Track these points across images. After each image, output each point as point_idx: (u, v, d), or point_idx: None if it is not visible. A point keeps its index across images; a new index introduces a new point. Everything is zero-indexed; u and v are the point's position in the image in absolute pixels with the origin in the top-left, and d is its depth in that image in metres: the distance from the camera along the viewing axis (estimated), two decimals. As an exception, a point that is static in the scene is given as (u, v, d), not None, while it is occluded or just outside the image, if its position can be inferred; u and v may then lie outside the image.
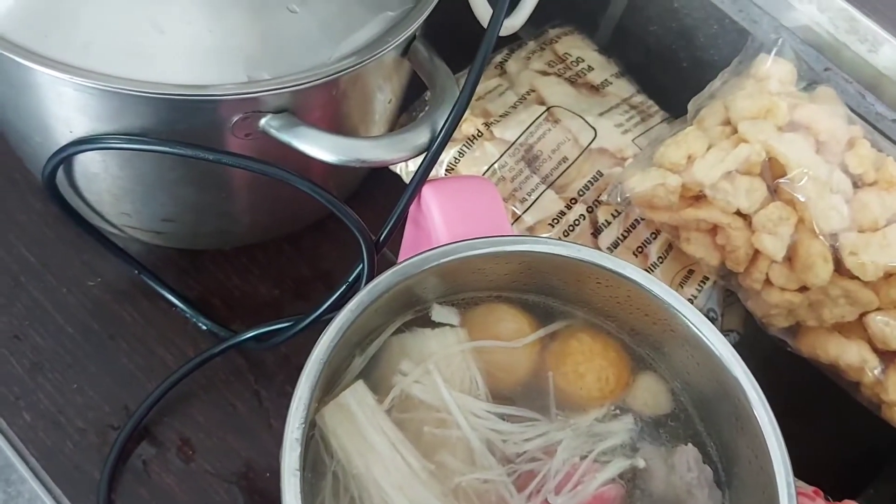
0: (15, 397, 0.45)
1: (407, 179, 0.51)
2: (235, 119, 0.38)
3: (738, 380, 0.35)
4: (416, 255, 0.36)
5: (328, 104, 0.41)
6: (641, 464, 0.36)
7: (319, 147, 0.38)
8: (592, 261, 0.37)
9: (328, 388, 0.36)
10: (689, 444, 0.37)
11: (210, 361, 0.46)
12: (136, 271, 0.48)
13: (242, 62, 0.37)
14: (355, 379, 0.36)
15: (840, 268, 0.42)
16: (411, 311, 0.39)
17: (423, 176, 0.39)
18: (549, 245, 0.37)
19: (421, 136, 0.39)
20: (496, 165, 0.48)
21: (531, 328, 0.39)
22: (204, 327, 0.48)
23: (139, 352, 0.47)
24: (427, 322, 0.39)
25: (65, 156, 0.39)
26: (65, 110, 0.38)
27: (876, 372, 0.43)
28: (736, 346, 0.49)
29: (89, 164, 0.41)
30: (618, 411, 0.38)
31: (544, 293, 0.40)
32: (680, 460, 0.36)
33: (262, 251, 0.51)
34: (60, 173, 0.42)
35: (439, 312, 0.39)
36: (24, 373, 0.46)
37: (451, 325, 0.38)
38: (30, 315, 0.47)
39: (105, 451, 0.44)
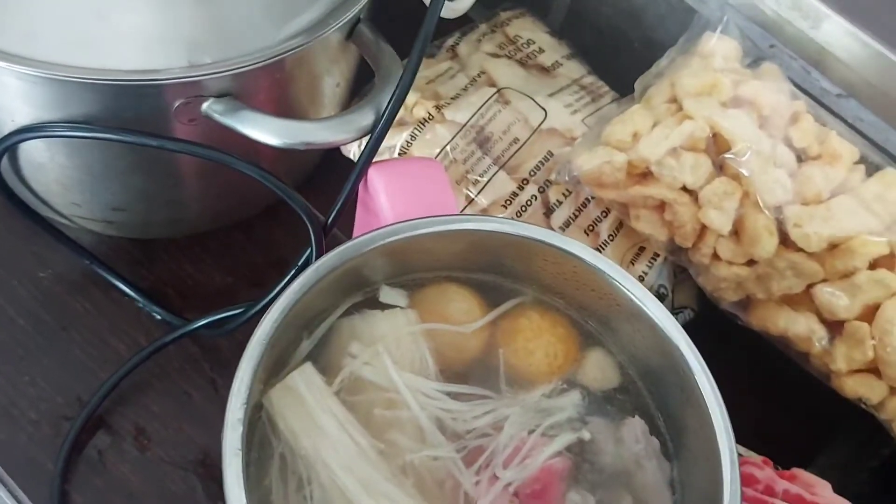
0: (-34, 390, 0.45)
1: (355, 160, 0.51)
2: (177, 104, 0.37)
3: (682, 351, 0.35)
4: (362, 236, 0.36)
5: (272, 88, 0.41)
6: (587, 436, 0.36)
7: (262, 130, 0.38)
8: (538, 237, 0.37)
9: (275, 370, 0.36)
10: (637, 417, 0.37)
11: (163, 350, 0.46)
12: (88, 262, 0.48)
13: (185, 47, 0.37)
14: (303, 361, 0.37)
15: (786, 240, 0.43)
16: (360, 293, 0.39)
17: (368, 157, 0.39)
18: (494, 223, 0.37)
19: (365, 118, 0.39)
20: (448, 148, 0.48)
21: (481, 308, 0.39)
22: (158, 317, 0.48)
23: (92, 343, 0.47)
24: (376, 304, 0.39)
25: (8, 145, 0.39)
26: (7, 99, 0.38)
27: (824, 342, 0.44)
28: (690, 323, 0.50)
29: (35, 154, 0.41)
30: (566, 386, 0.38)
31: (493, 272, 0.40)
32: (628, 433, 0.37)
33: (215, 239, 0.51)
34: (6, 163, 0.41)
35: (387, 294, 0.39)
36: (-24, 365, 0.45)
37: (401, 307, 0.38)
38: (-21, 308, 0.47)
39: (59, 442, 0.44)
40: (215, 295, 0.49)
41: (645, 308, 0.36)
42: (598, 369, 0.39)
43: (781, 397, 0.49)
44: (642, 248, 0.48)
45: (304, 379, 0.35)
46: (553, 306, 0.40)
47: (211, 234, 0.51)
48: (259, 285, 0.50)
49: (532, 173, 0.48)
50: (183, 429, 0.46)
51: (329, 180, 0.50)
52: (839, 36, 0.47)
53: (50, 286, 0.48)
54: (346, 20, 0.40)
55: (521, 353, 0.38)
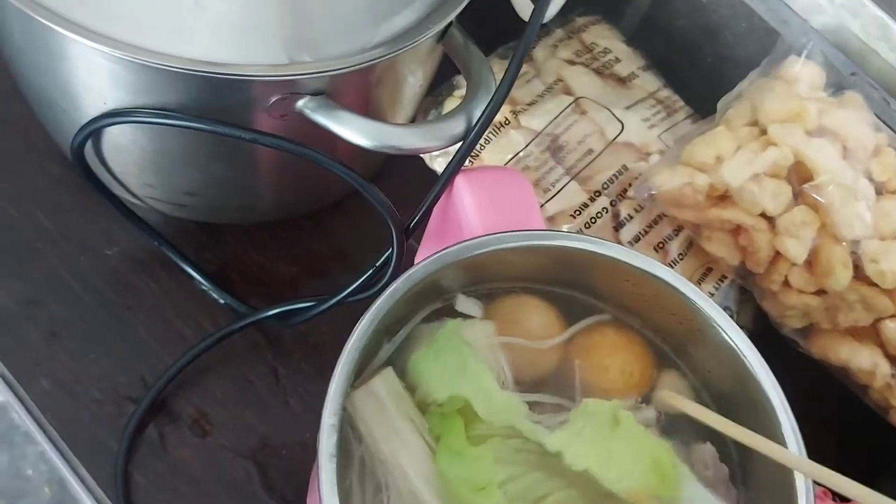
0: (33, 363, 0.45)
1: (429, 163, 0.51)
2: (273, 99, 0.37)
3: (761, 383, 0.35)
4: (452, 246, 0.36)
5: (363, 88, 0.41)
6: None
7: (356, 131, 0.38)
8: (623, 259, 0.37)
9: (357, 373, 0.36)
10: (708, 443, 0.37)
11: (229, 337, 0.46)
12: (156, 242, 0.48)
13: (283, 42, 0.37)
14: (383, 365, 0.37)
15: (859, 274, 0.43)
16: (439, 300, 0.39)
17: (457, 166, 0.39)
18: (581, 241, 0.37)
19: (457, 126, 0.39)
20: (521, 154, 0.48)
21: (557, 322, 0.39)
22: (222, 301, 0.48)
23: (156, 323, 0.47)
24: (453, 312, 0.39)
25: (97, 127, 0.39)
26: (99, 81, 0.38)
27: (887, 377, 0.44)
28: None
29: (119, 136, 0.41)
30: (642, 404, 0.38)
31: (570, 286, 0.40)
32: (698, 458, 0.37)
33: (282, 227, 0.51)
34: (88, 143, 0.41)
35: (463, 303, 0.39)
36: (42, 339, 0.45)
37: (479, 318, 0.39)
38: (46, 282, 0.47)
39: (122, 422, 0.44)
40: (279, 283, 0.50)
41: (728, 338, 0.36)
42: (673, 391, 0.39)
43: (835, 426, 0.50)
44: (710, 269, 0.48)
45: (385, 384, 0.35)
46: (629, 325, 0.40)
47: (277, 222, 0.51)
48: (321, 276, 0.50)
49: (605, 186, 0.48)
50: (243, 416, 0.46)
51: (395, 177, 0.50)
52: (924, 69, 0.47)
53: (116, 264, 0.48)
54: (444, 24, 0.40)
55: (597, 368, 0.38)
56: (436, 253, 0.36)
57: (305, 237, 0.51)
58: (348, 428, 0.35)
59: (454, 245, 0.36)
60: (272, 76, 0.36)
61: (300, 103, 0.38)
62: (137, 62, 0.36)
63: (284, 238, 0.51)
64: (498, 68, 0.52)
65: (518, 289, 0.40)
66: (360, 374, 0.36)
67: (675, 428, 0.38)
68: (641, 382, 0.39)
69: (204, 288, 0.48)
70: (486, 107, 0.38)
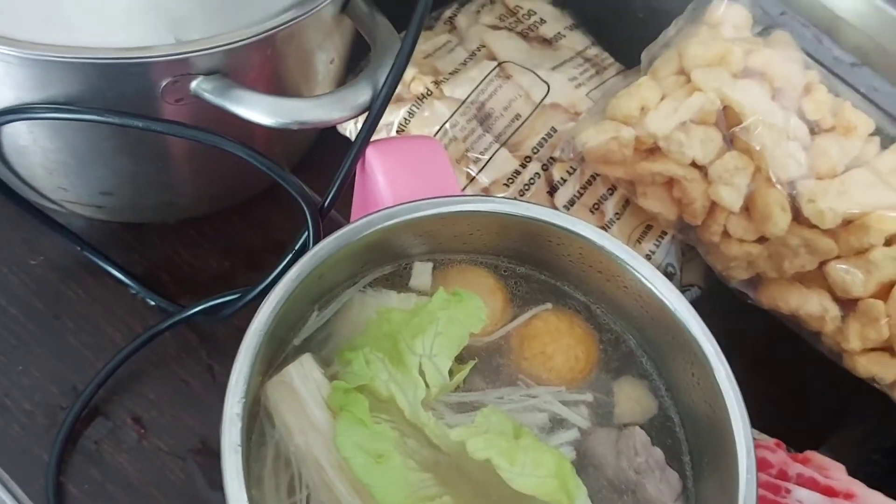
0: (-42, 381, 0.44)
1: (353, 138, 0.49)
2: (165, 83, 0.36)
3: (693, 333, 0.34)
4: (358, 220, 0.35)
5: (264, 64, 0.39)
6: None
7: (254, 109, 0.36)
8: (539, 217, 0.36)
9: (278, 352, 0.35)
10: (637, 428, 0.35)
11: (159, 337, 0.45)
12: (80, 248, 0.47)
13: (171, 23, 0.35)
14: (310, 338, 0.35)
15: (798, 217, 0.42)
16: (390, 265, 0.38)
17: (366, 136, 0.37)
18: (493, 203, 0.36)
19: (362, 95, 0.37)
20: (447, 125, 0.47)
21: (502, 301, 0.38)
22: (152, 303, 0.47)
23: (86, 330, 0.46)
24: (399, 283, 0.38)
25: (-12, 128, 0.37)
26: (-17, 80, 0.36)
27: (837, 321, 0.42)
28: (697, 300, 0.49)
29: (17, 137, 0.39)
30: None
31: (515, 258, 0.39)
32: (626, 444, 0.35)
33: (211, 223, 0.49)
34: (-10, 148, 0.40)
35: (418, 269, 0.38)
36: (-32, 356, 0.44)
37: (416, 293, 0.37)
38: (-29, 297, 0.46)
39: (54, 432, 0.43)
40: (212, 280, 0.48)
41: (654, 289, 0.35)
42: (633, 401, 0.37)
43: (791, 377, 0.48)
44: (649, 227, 0.47)
45: (300, 373, 0.34)
46: (569, 306, 0.38)
47: (206, 218, 0.49)
48: (257, 269, 0.49)
49: (535, 150, 0.47)
50: (180, 417, 0.45)
51: (326, 160, 0.49)
52: (855, 2, 0.45)
53: (42, 273, 0.47)
54: (339, -8, 0.38)
55: (540, 358, 0.37)
56: (340, 229, 0.34)
57: (234, 231, 0.49)
58: (263, 416, 0.34)
59: (360, 219, 0.35)
60: (155, 57, 0.35)
61: (194, 84, 0.36)
62: (20, 56, 0.34)
63: (214, 233, 0.49)
64: (422, 39, 0.50)
65: (469, 260, 0.39)
66: (285, 348, 0.35)
67: (606, 415, 0.36)
68: (587, 366, 0.37)
69: (133, 291, 0.47)
70: (390, 71, 0.37)
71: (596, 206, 0.46)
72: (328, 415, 0.33)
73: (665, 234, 0.47)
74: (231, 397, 0.31)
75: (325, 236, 0.39)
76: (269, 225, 0.50)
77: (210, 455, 0.44)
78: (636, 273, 0.35)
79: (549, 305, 0.38)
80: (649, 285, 0.35)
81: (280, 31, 0.37)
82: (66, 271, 0.47)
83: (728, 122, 0.42)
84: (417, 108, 0.47)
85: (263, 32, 0.36)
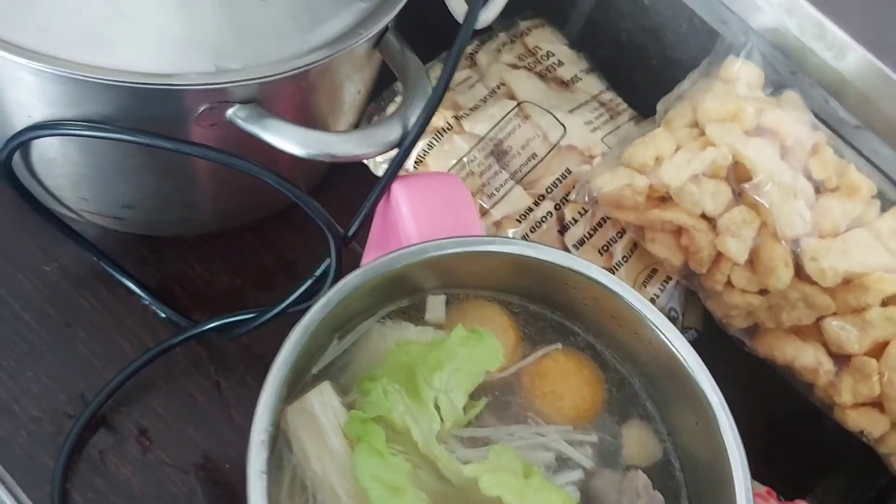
0: (-33, 385, 0.44)
1: (374, 169, 0.50)
2: (201, 109, 0.37)
3: (701, 385, 0.36)
4: (386, 255, 0.36)
5: (296, 95, 0.40)
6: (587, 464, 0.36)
7: (288, 140, 0.37)
8: (559, 263, 0.37)
9: (300, 375, 0.35)
10: (639, 471, 0.37)
11: (169, 351, 0.45)
12: (95, 257, 0.47)
13: (210, 50, 0.36)
14: (329, 366, 0.36)
15: (800, 272, 0.43)
16: (406, 298, 0.39)
17: (393, 173, 0.38)
18: (517, 246, 0.37)
19: (392, 132, 0.38)
20: (465, 159, 0.48)
21: (514, 340, 0.39)
22: (163, 315, 0.47)
23: (97, 339, 0.46)
24: (416, 315, 0.39)
25: (22, 141, 0.38)
26: (23, 95, 0.37)
27: (830, 375, 0.44)
28: (694, 343, 0.50)
29: (47, 149, 0.40)
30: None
31: (529, 296, 0.40)
32: (629, 486, 0.36)
33: (225, 239, 0.50)
34: (17, 157, 0.40)
35: (432, 303, 0.39)
36: (-23, 360, 0.45)
37: (433, 327, 0.38)
38: (-18, 300, 0.46)
39: (60, 440, 0.43)
40: (223, 296, 0.49)
41: (666, 339, 0.36)
42: (638, 443, 0.38)
43: (781, 424, 0.50)
44: (654, 271, 0.48)
45: (319, 400, 0.35)
46: (577, 346, 0.39)
47: (221, 234, 0.50)
48: (267, 288, 0.50)
49: (549, 190, 0.48)
50: (185, 431, 0.45)
51: (340, 183, 0.50)
52: (861, 67, 0.47)
53: (55, 280, 0.47)
54: (377, 30, 0.39)
55: (550, 397, 0.38)
56: (368, 263, 0.35)
57: (249, 248, 0.50)
58: (282, 440, 0.34)
59: (388, 254, 0.36)
60: (197, 85, 0.35)
61: (230, 112, 0.37)
62: (59, 74, 0.35)
63: (227, 250, 0.50)
64: (440, 73, 0.51)
65: (482, 296, 0.40)
66: (305, 375, 0.36)
67: (611, 456, 0.38)
68: (593, 407, 0.38)
69: (145, 302, 0.47)
70: (422, 112, 0.38)
71: (605, 248, 0.48)
72: (345, 443, 0.34)
73: (670, 278, 0.48)
74: (258, 424, 0.31)
75: (343, 264, 0.40)
76: (282, 245, 0.51)
77: (212, 470, 0.45)
78: (649, 322, 0.36)
79: (559, 345, 0.40)
80: (661, 335, 0.36)
81: (316, 67, 0.38)
82: (80, 279, 0.48)
83: (738, 176, 0.43)
84: (437, 142, 0.48)
85: (302, 67, 0.37)
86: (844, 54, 0.47)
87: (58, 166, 0.41)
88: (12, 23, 0.34)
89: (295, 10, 0.38)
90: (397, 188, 0.39)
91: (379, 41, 0.41)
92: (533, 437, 0.37)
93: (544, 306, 0.40)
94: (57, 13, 0.35)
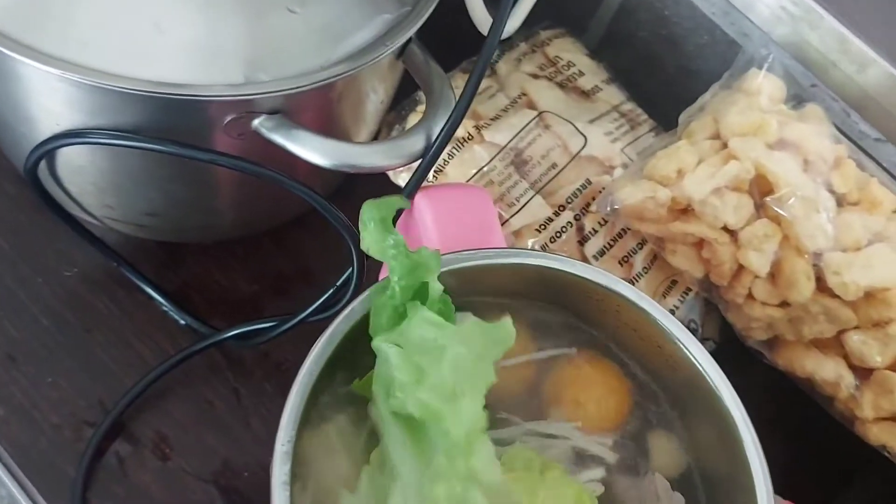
0: (-13, 390, 0.44)
1: (394, 178, 0.50)
2: (228, 119, 0.37)
3: (725, 402, 0.35)
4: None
5: (321, 106, 0.40)
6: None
7: (313, 150, 0.37)
8: (583, 275, 0.37)
9: (323, 385, 0.35)
10: (657, 474, 0.37)
11: (189, 358, 0.46)
12: (115, 263, 0.47)
13: (240, 62, 0.36)
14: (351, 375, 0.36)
15: (821, 285, 0.43)
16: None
17: (417, 184, 0.38)
18: (543, 259, 0.37)
19: (416, 144, 0.38)
20: (485, 169, 0.48)
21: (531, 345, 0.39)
22: (182, 322, 0.47)
23: (116, 345, 0.46)
24: None
25: (50, 148, 0.38)
26: (54, 103, 0.37)
27: (851, 388, 0.44)
28: (712, 354, 0.50)
29: (75, 157, 0.40)
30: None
31: (551, 306, 0.40)
32: (648, 489, 0.36)
33: (243, 245, 0.50)
34: (43, 163, 0.40)
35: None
36: (-2, 364, 0.45)
37: None
38: (3, 305, 0.46)
39: (80, 447, 0.43)
40: (240, 302, 0.49)
41: (689, 354, 0.36)
42: (664, 456, 0.38)
43: (800, 437, 0.50)
44: (674, 282, 0.48)
45: (337, 430, 0.35)
46: (603, 354, 0.39)
47: (239, 240, 0.50)
48: (284, 294, 0.50)
49: (569, 200, 0.48)
50: (204, 438, 0.45)
51: (357, 191, 0.49)
52: (883, 81, 0.47)
53: (75, 285, 0.47)
54: (401, 41, 0.39)
55: (571, 406, 0.38)
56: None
57: (266, 254, 0.50)
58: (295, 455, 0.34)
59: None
60: (227, 96, 0.35)
61: (256, 122, 0.37)
62: (90, 84, 0.35)
63: (245, 256, 0.50)
64: (461, 82, 0.51)
65: (502, 304, 0.40)
66: (333, 377, 0.36)
67: (630, 458, 0.38)
68: (618, 416, 0.38)
69: (164, 309, 0.48)
70: (445, 124, 0.38)
71: (625, 259, 0.48)
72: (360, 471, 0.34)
73: (690, 290, 0.48)
74: (282, 435, 0.31)
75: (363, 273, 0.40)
76: (300, 251, 0.51)
77: (231, 478, 0.45)
78: (673, 337, 0.36)
79: (574, 350, 0.39)
80: (684, 349, 0.36)
81: (343, 78, 0.38)
82: (99, 284, 0.48)
83: (760, 190, 0.43)
84: (458, 151, 0.48)
85: (329, 79, 0.37)
86: (866, 68, 0.47)
87: (85, 173, 0.41)
88: (46, 34, 0.35)
89: (323, 23, 0.38)
90: (420, 198, 0.39)
91: (402, 52, 0.41)
92: (551, 436, 0.37)
93: (568, 315, 0.40)
94: (95, 27, 0.35)
